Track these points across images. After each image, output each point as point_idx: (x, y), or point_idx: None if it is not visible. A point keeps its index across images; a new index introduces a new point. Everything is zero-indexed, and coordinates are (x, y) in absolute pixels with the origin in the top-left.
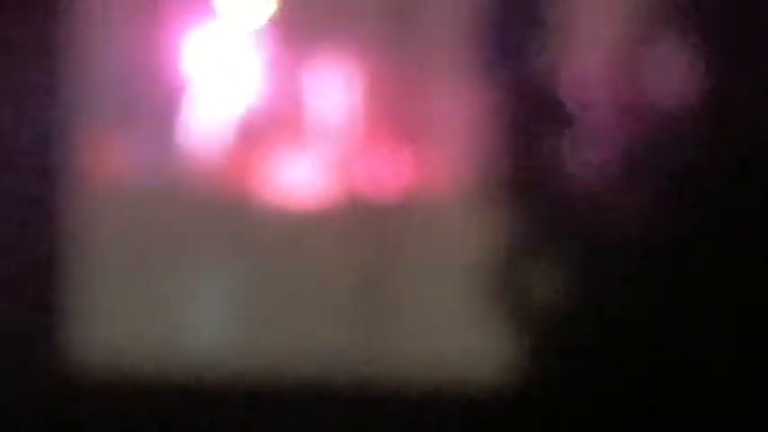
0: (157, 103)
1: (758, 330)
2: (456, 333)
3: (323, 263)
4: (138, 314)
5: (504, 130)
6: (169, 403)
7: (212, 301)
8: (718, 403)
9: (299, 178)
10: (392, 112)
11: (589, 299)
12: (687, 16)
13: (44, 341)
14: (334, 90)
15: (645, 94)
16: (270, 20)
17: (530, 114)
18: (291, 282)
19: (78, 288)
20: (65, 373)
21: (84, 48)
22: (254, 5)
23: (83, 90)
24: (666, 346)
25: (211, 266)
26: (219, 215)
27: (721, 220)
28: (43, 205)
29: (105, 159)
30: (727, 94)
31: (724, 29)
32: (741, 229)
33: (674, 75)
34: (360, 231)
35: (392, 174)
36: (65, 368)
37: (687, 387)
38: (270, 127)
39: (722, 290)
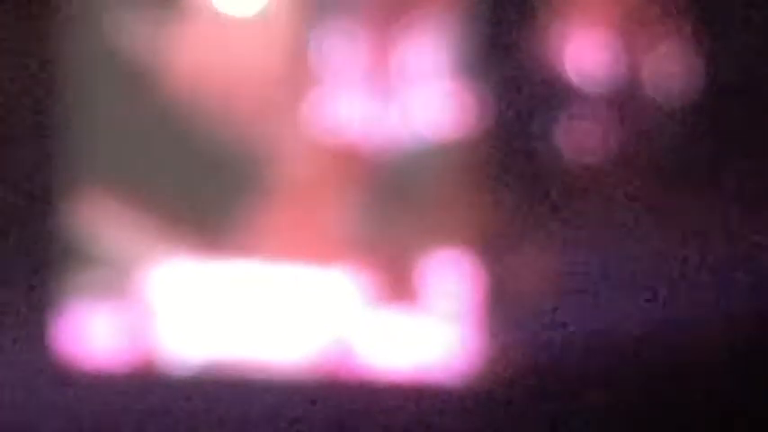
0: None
1: (756, 330)
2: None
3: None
4: None
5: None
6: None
7: None
8: (712, 399)
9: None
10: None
11: (579, 290)
12: (688, 8)
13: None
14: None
15: (643, 85)
16: None
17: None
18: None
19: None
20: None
21: None
22: None
23: None
24: (656, 339)
25: None
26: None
27: (716, 211)
28: None
29: None
30: (726, 86)
31: (724, 21)
32: (738, 222)
33: (673, 65)
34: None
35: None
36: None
37: (682, 381)
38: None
39: (717, 281)
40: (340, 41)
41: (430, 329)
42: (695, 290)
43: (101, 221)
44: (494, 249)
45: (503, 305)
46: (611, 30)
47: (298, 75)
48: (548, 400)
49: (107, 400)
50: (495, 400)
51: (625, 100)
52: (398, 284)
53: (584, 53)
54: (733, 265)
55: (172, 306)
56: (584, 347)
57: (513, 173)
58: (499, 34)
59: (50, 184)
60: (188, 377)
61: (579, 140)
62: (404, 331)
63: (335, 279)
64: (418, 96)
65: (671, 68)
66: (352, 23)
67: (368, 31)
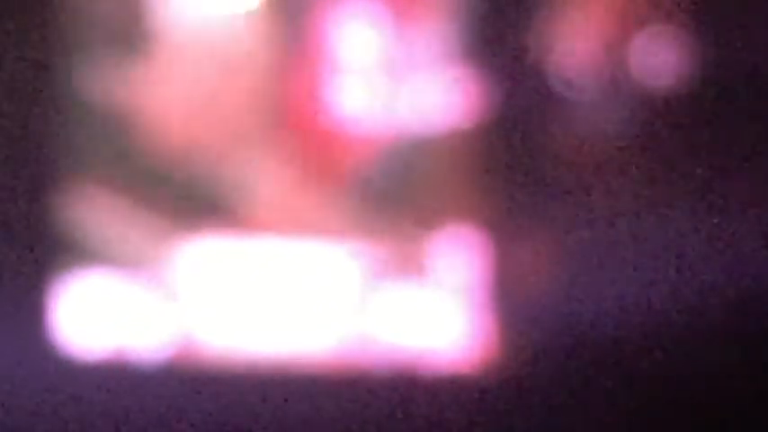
0: None
1: (759, 325)
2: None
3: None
4: None
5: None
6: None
7: None
8: (723, 380)
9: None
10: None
11: (579, 281)
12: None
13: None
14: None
15: (635, 77)
16: None
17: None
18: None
19: None
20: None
21: None
22: None
23: None
24: (667, 320)
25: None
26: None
27: (713, 204)
28: None
29: None
30: (724, 77)
31: (715, 14)
32: (733, 214)
33: (664, 58)
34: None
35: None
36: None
37: (691, 360)
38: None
39: (718, 273)
40: (347, 29)
41: (440, 310)
42: (705, 268)
43: (99, 209)
44: (503, 230)
45: (512, 286)
46: (612, 20)
47: (310, 60)
48: (556, 380)
49: (109, 390)
50: (506, 381)
51: (625, 88)
52: (409, 264)
53: (586, 43)
54: (737, 247)
55: (177, 292)
56: (591, 328)
57: (523, 155)
58: (502, 23)
59: (50, 172)
60: (198, 363)
61: (585, 124)
62: (414, 311)
63: (346, 257)
64: (425, 81)
65: (672, 58)
66: (359, 12)
67: (375, 18)
